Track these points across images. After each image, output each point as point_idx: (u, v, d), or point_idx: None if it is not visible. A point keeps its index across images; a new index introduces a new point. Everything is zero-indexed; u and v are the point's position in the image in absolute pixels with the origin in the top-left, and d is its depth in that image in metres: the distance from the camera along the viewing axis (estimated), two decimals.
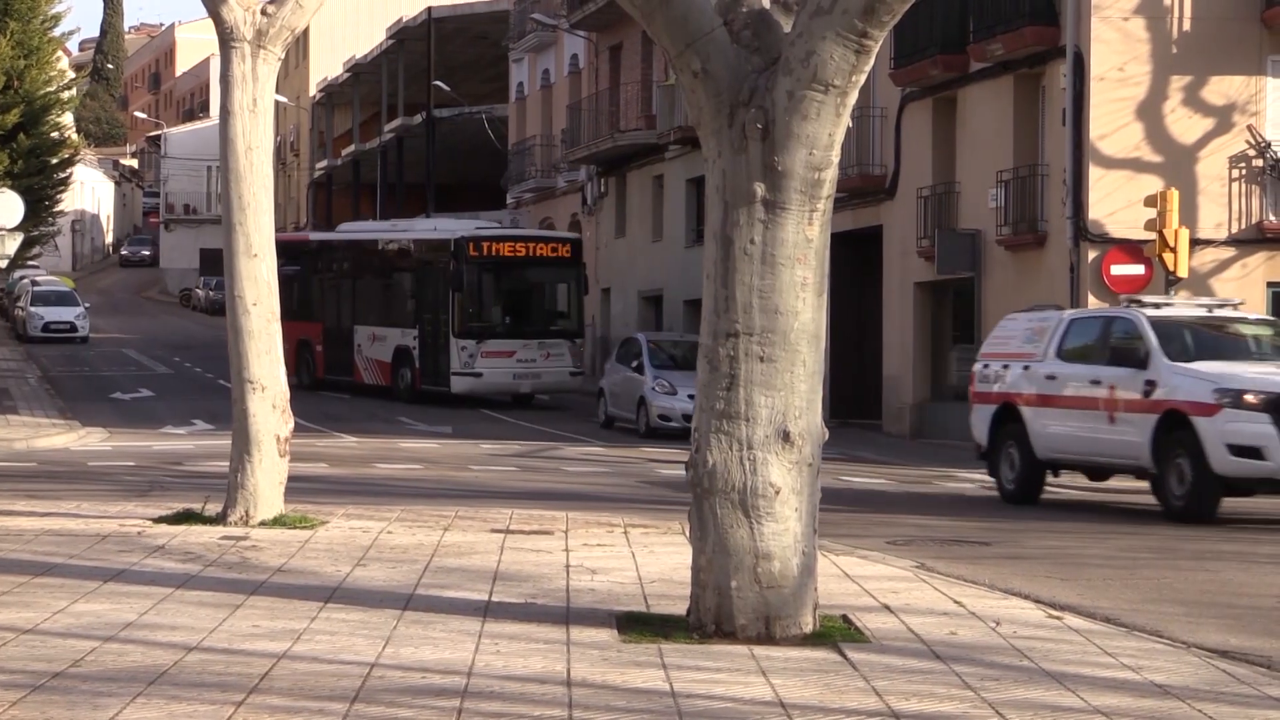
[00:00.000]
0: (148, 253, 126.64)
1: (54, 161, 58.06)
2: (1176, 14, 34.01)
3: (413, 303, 47.83)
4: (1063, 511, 25.40)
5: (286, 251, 55.30)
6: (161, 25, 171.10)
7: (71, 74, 66.82)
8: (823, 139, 12.23)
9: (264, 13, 19.30)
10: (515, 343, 45.87)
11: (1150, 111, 33.99)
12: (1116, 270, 33.53)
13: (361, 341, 49.46)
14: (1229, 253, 33.92)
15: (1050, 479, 26.91)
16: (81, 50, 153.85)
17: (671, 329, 53.33)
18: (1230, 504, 23.83)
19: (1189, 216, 32.48)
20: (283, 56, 19.71)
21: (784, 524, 12.28)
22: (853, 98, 12.31)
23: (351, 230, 56.17)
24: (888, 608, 13.99)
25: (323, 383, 50.70)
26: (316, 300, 52.33)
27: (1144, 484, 25.45)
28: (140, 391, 48.36)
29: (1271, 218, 33.91)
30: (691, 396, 32.63)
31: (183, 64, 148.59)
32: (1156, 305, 25.72)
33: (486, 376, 45.44)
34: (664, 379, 38.91)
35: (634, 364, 40.32)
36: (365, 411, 43.30)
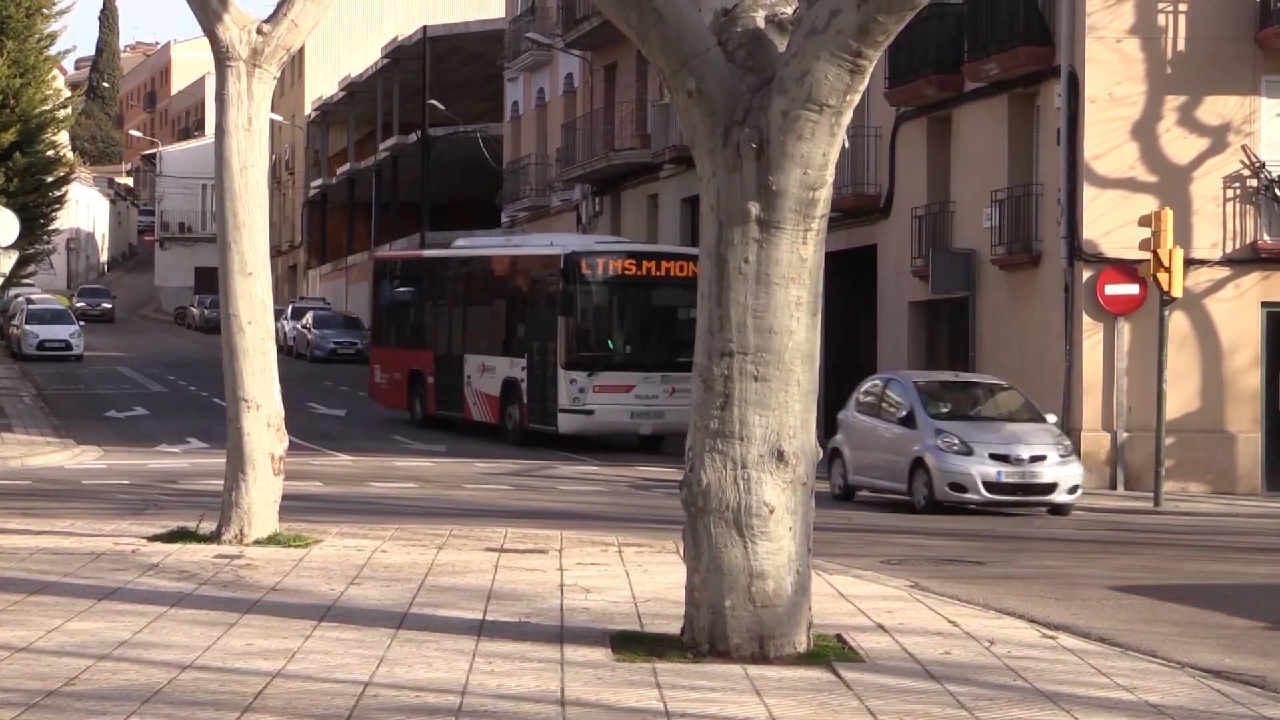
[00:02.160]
0: (109, 305, 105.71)
1: (49, 180, 58.05)
2: (1171, 34, 34.05)
3: (522, 328, 41.40)
4: (1056, 530, 25.39)
5: (401, 272, 49.16)
6: (157, 44, 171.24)
7: (67, 92, 66.90)
8: (817, 158, 12.25)
9: (259, 32, 19.33)
10: (634, 376, 39.06)
11: (1145, 131, 34.01)
12: (1111, 290, 33.54)
13: (471, 372, 43.01)
14: (1223, 273, 33.92)
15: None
16: (77, 69, 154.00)
17: None
18: (1222, 523, 23.82)
19: (1183, 236, 32.48)
20: (278, 75, 19.74)
21: (778, 543, 12.29)
22: (847, 117, 12.34)
23: (465, 246, 48.60)
24: (882, 627, 13.99)
25: (434, 419, 44.64)
26: (429, 325, 46.04)
27: (1140, 504, 25.36)
28: (135, 410, 48.30)
29: (1266, 237, 33.92)
30: (996, 456, 27.63)
31: (178, 82, 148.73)
32: None
33: (599, 414, 38.86)
34: (951, 434, 28.24)
35: (897, 414, 29.53)
36: (361, 430, 43.25)
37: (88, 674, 11.38)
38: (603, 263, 39.69)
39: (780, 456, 12.28)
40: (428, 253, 52.49)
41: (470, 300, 44.65)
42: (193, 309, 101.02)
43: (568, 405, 38.83)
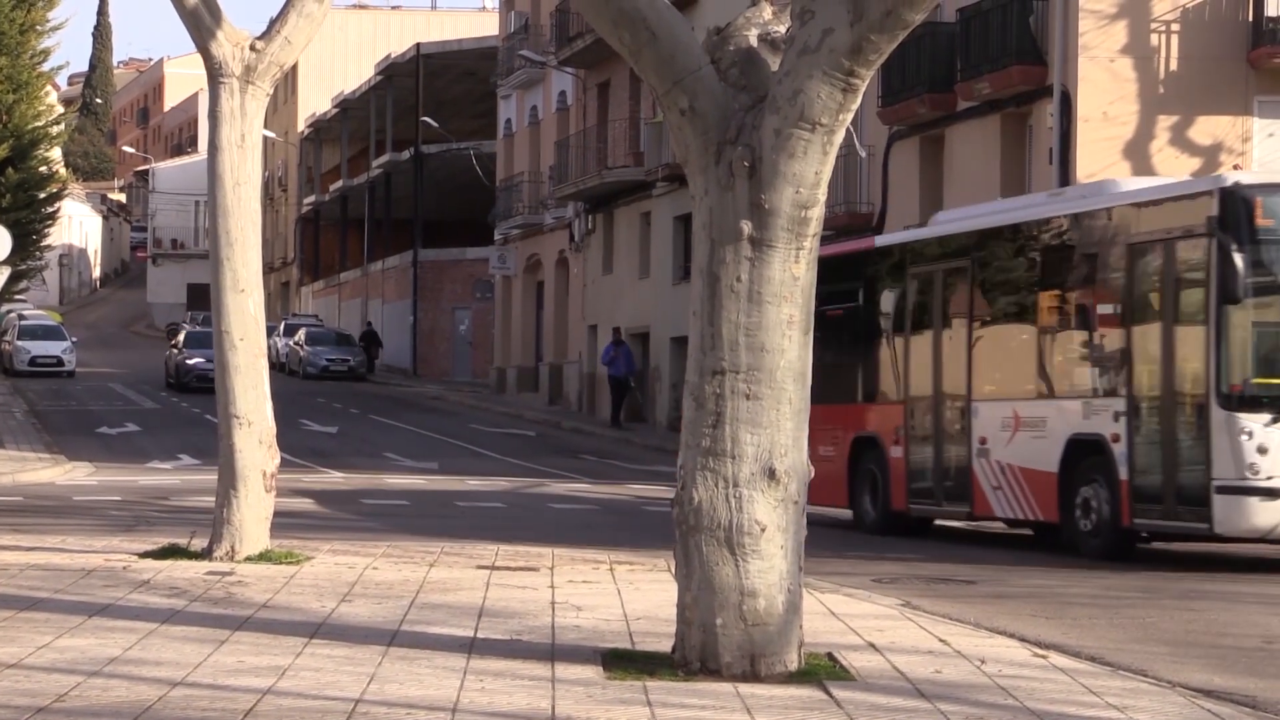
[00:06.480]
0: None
1: (42, 196, 58.18)
2: (1163, 54, 34.12)
3: (1106, 344, 22.94)
4: (1049, 550, 25.39)
5: (836, 276, 25.14)
6: (150, 60, 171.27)
7: (60, 109, 67.05)
8: (809, 177, 12.27)
9: (253, 48, 19.34)
10: None
11: (1137, 151, 34.06)
12: None
13: (987, 432, 24.62)
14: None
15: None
16: (70, 85, 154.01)
17: (657, 366, 53.29)
18: (1214, 545, 23.79)
19: None
20: (271, 92, 19.75)
21: (769, 561, 12.28)
22: (840, 136, 12.35)
23: (958, 219, 27.19)
24: (873, 646, 13.98)
25: (900, 520, 26.49)
26: (888, 361, 26.99)
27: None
28: (127, 426, 48.27)
29: None
30: None
31: (171, 99, 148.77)
32: None
33: None
34: None
35: None
36: (353, 447, 43.18)
37: (78, 691, 11.36)
38: None
39: (772, 475, 12.28)
40: (884, 240, 29.61)
41: (980, 311, 25.40)
42: (185, 325, 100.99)
43: (1235, 478, 20.99)
